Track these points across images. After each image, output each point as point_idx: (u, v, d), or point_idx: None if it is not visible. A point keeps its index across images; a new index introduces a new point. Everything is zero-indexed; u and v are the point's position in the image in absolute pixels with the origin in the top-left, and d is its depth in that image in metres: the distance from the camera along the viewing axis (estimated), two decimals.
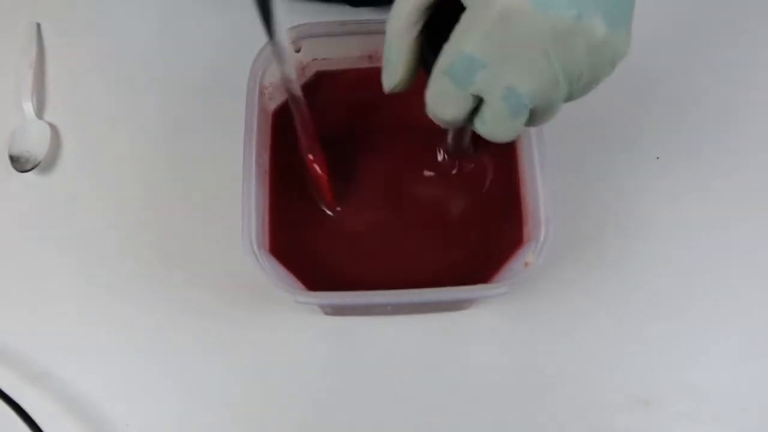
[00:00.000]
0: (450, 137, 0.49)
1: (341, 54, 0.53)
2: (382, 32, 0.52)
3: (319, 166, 0.50)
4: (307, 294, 0.46)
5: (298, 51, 0.52)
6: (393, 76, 0.42)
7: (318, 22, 0.51)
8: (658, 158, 0.57)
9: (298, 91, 0.46)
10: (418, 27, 0.40)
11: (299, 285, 0.48)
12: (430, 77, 0.39)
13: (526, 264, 0.46)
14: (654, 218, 0.55)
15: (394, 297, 0.47)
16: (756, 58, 0.60)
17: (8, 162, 0.57)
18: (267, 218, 0.50)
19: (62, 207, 0.56)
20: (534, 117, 0.40)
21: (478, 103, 0.39)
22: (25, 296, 0.54)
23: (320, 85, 0.54)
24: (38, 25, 0.62)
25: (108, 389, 0.52)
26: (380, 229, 0.51)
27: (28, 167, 0.57)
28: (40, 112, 0.59)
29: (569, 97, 0.39)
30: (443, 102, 0.39)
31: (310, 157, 0.49)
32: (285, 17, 0.50)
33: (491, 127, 0.39)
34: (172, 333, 0.53)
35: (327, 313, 0.53)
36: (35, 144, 0.58)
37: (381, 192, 0.52)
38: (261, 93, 0.50)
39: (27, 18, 0.62)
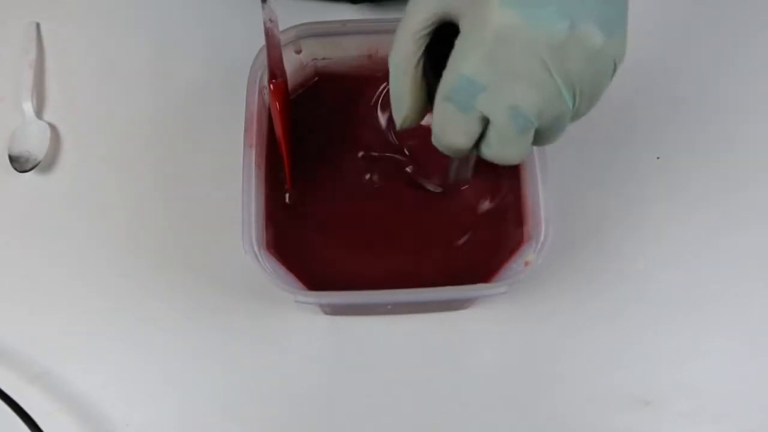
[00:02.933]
0: (453, 168, 0.48)
1: (341, 54, 0.53)
2: (383, 31, 0.52)
3: (278, 99, 0.49)
4: (307, 294, 0.46)
5: (298, 52, 0.52)
6: (401, 109, 0.41)
7: (318, 22, 0.51)
8: (658, 158, 0.57)
9: (273, 15, 0.46)
10: (418, 55, 0.40)
11: (299, 285, 0.48)
12: (434, 105, 0.39)
13: (526, 264, 0.46)
14: (654, 218, 0.55)
15: (394, 297, 0.47)
16: (757, 58, 0.60)
17: (8, 162, 0.57)
18: (267, 218, 0.50)
19: (62, 207, 0.56)
20: (541, 136, 0.39)
21: (484, 127, 0.38)
22: (25, 296, 0.54)
23: (320, 83, 0.55)
24: (38, 25, 0.62)
25: (108, 389, 0.52)
26: (380, 229, 0.51)
27: (28, 167, 0.57)
28: (40, 112, 0.59)
29: (576, 112, 0.38)
30: (451, 129, 0.39)
31: (271, 87, 0.48)
32: (285, 17, 0.50)
33: (499, 149, 0.39)
34: (172, 333, 0.53)
35: (327, 313, 0.53)
36: (35, 144, 0.58)
37: (381, 192, 0.52)
38: (261, 93, 0.50)
39: (27, 18, 0.62)
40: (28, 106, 0.58)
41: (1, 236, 0.56)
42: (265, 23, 0.46)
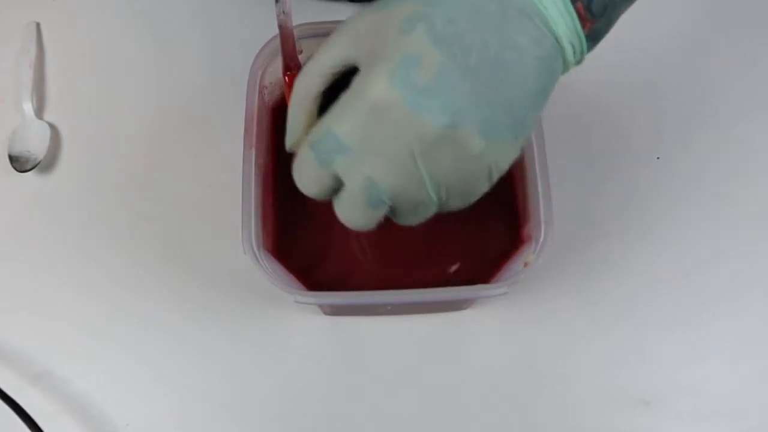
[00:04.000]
0: None
1: None
2: None
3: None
4: (307, 294, 0.46)
5: (299, 52, 0.52)
6: (291, 136, 0.41)
7: (318, 22, 0.51)
8: (658, 158, 0.57)
9: (287, 6, 0.46)
10: (319, 90, 0.39)
11: (299, 285, 0.48)
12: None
13: (526, 264, 0.46)
14: (654, 218, 0.55)
15: (394, 297, 0.47)
16: (757, 58, 0.60)
17: (8, 162, 0.57)
18: (267, 218, 0.50)
19: (62, 207, 0.56)
20: (398, 214, 0.38)
21: (339, 185, 0.38)
22: (25, 296, 0.54)
23: None
24: (38, 25, 0.62)
25: (108, 389, 0.52)
26: (380, 229, 0.51)
27: (28, 167, 0.57)
28: (40, 112, 0.59)
29: (445, 206, 0.37)
30: (304, 175, 0.38)
31: (286, 79, 0.48)
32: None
33: (345, 212, 0.38)
34: (172, 333, 0.53)
35: (327, 313, 0.53)
36: (35, 144, 0.58)
37: None
38: (261, 93, 0.50)
39: (27, 18, 0.62)
40: (28, 106, 0.58)
41: (1, 236, 0.56)
42: (278, 15, 0.46)
